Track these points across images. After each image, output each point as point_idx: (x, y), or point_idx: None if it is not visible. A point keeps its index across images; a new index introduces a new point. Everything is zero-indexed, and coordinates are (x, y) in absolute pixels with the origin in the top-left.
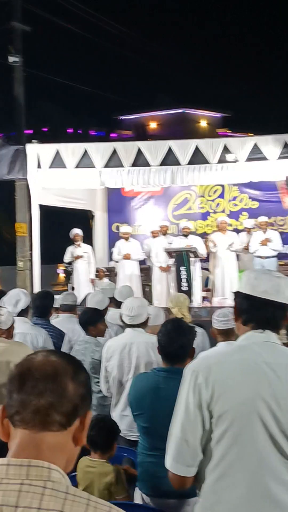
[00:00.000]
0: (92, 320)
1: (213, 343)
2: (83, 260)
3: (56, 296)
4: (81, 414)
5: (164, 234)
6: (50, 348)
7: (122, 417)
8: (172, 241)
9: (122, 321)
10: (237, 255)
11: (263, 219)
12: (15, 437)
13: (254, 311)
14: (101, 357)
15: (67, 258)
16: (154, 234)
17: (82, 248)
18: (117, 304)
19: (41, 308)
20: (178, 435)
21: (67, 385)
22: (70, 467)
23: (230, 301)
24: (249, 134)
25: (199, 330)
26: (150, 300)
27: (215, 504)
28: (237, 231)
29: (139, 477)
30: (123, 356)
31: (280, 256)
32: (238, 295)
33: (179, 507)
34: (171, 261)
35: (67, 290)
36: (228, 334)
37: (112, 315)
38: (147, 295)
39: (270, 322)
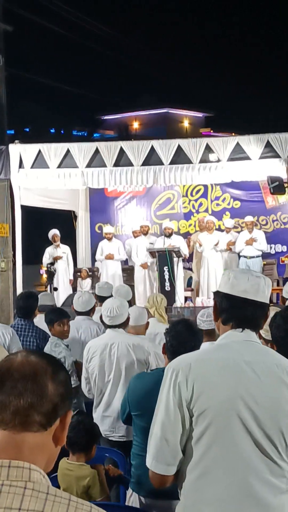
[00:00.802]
0: (47, 321)
1: None
2: (62, 260)
3: None
4: (61, 414)
5: (145, 234)
6: (17, 345)
7: (104, 417)
8: (153, 241)
9: (102, 321)
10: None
11: (249, 218)
12: None
13: (234, 310)
14: (82, 358)
15: (46, 259)
16: (136, 234)
17: (61, 249)
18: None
19: (24, 308)
20: (158, 433)
21: (46, 385)
22: (50, 467)
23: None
24: (231, 134)
25: None
26: (133, 300)
27: (196, 502)
28: (220, 231)
29: (136, 480)
30: (104, 356)
31: (263, 256)
32: (218, 294)
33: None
34: (151, 260)
35: (48, 291)
36: (212, 335)
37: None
38: (132, 294)
39: (249, 321)
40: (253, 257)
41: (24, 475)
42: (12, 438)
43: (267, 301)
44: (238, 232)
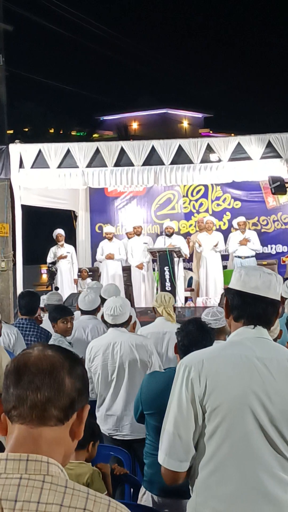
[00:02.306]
0: (51, 318)
1: None
2: (66, 260)
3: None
4: (78, 408)
5: (139, 234)
6: (21, 346)
7: (107, 416)
8: (148, 241)
9: (104, 321)
10: (222, 255)
11: (241, 219)
12: (13, 432)
13: (246, 307)
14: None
15: (50, 258)
16: (130, 235)
17: (65, 248)
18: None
19: (27, 307)
20: (171, 430)
21: (64, 379)
22: (67, 461)
23: (214, 301)
24: (230, 134)
25: None
26: (131, 300)
27: (208, 499)
28: (220, 231)
29: (148, 478)
30: (107, 356)
31: (263, 256)
32: (229, 291)
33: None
34: (146, 260)
35: (50, 290)
36: (218, 333)
37: None
38: (131, 294)
39: (261, 318)
40: (247, 257)
41: (43, 469)
42: (30, 432)
43: (279, 298)
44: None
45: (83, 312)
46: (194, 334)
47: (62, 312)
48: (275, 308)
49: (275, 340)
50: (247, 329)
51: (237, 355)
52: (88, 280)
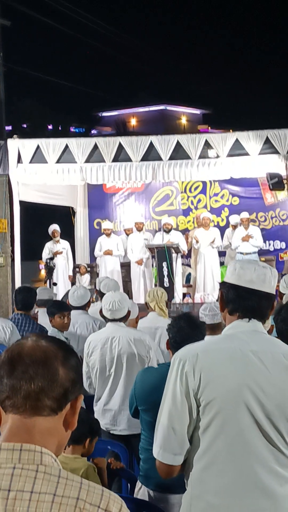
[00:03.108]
0: (49, 312)
1: None
2: (62, 256)
3: None
4: (72, 398)
5: (140, 230)
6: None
7: (105, 411)
8: (148, 237)
9: (103, 315)
10: (219, 251)
11: (245, 215)
12: (6, 422)
13: (240, 301)
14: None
15: (45, 254)
16: (128, 232)
17: (60, 244)
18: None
19: (22, 303)
20: (165, 423)
21: (57, 369)
22: (60, 451)
23: (212, 297)
24: (229, 131)
25: None
26: (130, 296)
27: (203, 492)
28: (218, 227)
29: (144, 473)
30: (105, 350)
31: (261, 252)
32: (224, 285)
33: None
34: (146, 257)
35: (47, 286)
36: (215, 329)
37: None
38: (130, 290)
39: (256, 312)
40: (249, 253)
41: (36, 459)
42: (23, 422)
43: (274, 292)
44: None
45: (73, 308)
46: (186, 330)
47: (60, 307)
48: (270, 301)
49: None
50: (241, 322)
51: (231, 349)
52: (87, 276)
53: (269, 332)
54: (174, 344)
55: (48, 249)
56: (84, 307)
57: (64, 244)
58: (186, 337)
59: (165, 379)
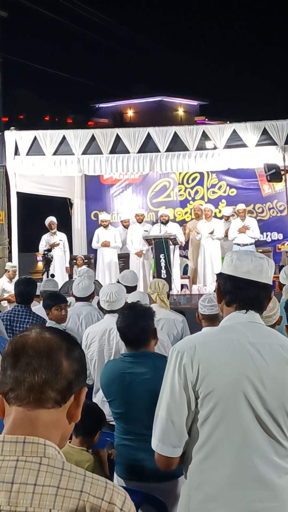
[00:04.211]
0: (45, 305)
1: (195, 330)
2: (59, 248)
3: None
4: (76, 390)
5: (140, 222)
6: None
7: (104, 402)
8: (148, 229)
9: (100, 307)
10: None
11: (241, 206)
12: (10, 414)
13: (238, 292)
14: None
15: (42, 246)
16: (125, 224)
17: (57, 236)
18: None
19: (24, 294)
20: (164, 416)
21: (61, 361)
22: (64, 443)
23: (209, 289)
24: (226, 122)
25: (179, 318)
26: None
27: (202, 484)
28: (217, 218)
29: (115, 460)
30: (103, 341)
31: (258, 243)
32: (221, 276)
33: (153, 490)
34: (146, 248)
35: (46, 278)
36: (213, 320)
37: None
38: None
39: (253, 303)
40: (246, 244)
41: (39, 451)
42: (27, 414)
43: (271, 282)
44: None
45: (77, 299)
46: (129, 320)
47: (56, 299)
48: (267, 292)
49: (273, 325)
50: (239, 313)
51: (229, 340)
52: (84, 267)
53: (278, 323)
54: (120, 333)
55: (45, 241)
56: (88, 299)
57: (61, 236)
58: (130, 327)
59: (121, 369)
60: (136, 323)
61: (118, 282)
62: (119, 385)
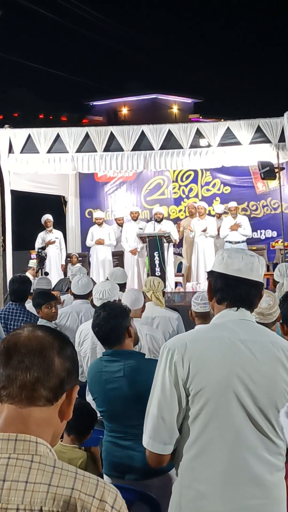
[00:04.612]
0: (35, 304)
1: (189, 327)
2: (54, 246)
3: None
4: (68, 389)
5: (135, 219)
6: None
7: None
8: (143, 227)
9: (93, 305)
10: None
11: (233, 204)
12: (2, 412)
13: (228, 290)
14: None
15: (38, 244)
16: (119, 221)
17: (53, 234)
18: None
19: (18, 292)
20: (155, 413)
21: (53, 360)
22: (56, 441)
23: (203, 286)
24: (220, 120)
25: (174, 315)
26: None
27: (193, 481)
28: (211, 216)
29: (102, 457)
30: (96, 339)
31: (252, 241)
32: (212, 274)
33: (139, 487)
34: (140, 246)
35: (39, 276)
36: (206, 317)
37: None
38: None
39: (244, 300)
40: (238, 242)
41: (31, 449)
42: (19, 412)
43: (262, 280)
44: None
45: (76, 297)
46: (99, 318)
47: (46, 298)
48: (258, 290)
49: (274, 322)
50: (230, 311)
51: (220, 338)
52: (78, 265)
53: (278, 319)
54: (94, 332)
55: (41, 238)
56: (87, 296)
57: (57, 234)
58: (100, 325)
59: (99, 368)
60: (106, 322)
61: (107, 279)
62: (98, 383)
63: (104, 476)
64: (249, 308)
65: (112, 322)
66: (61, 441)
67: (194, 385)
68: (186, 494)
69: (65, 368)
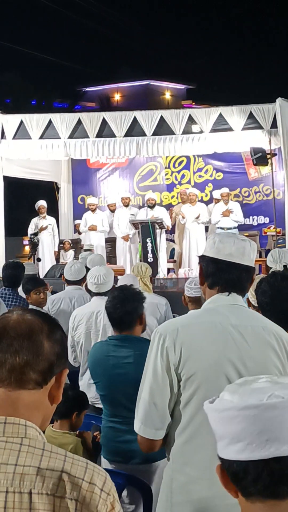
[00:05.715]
0: (24, 290)
1: (183, 312)
2: (47, 232)
3: None
4: (57, 372)
5: (127, 205)
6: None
7: (90, 385)
8: (135, 213)
9: (88, 289)
10: (206, 227)
11: (225, 190)
12: None
13: (220, 274)
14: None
15: (31, 229)
16: (111, 208)
17: (46, 220)
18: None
19: (11, 278)
20: (147, 398)
21: (42, 343)
22: (46, 425)
23: (196, 272)
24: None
25: (162, 301)
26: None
27: (184, 466)
28: (203, 202)
29: (101, 442)
30: (90, 324)
31: (245, 227)
32: (203, 258)
33: (137, 472)
34: (132, 232)
35: (32, 261)
36: (199, 302)
37: None
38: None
39: (235, 285)
40: (230, 228)
41: (20, 432)
42: (8, 395)
43: (253, 265)
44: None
45: (69, 282)
46: (115, 301)
47: (35, 283)
48: (250, 274)
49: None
50: (221, 296)
51: (212, 323)
52: (71, 251)
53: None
54: (107, 314)
55: (34, 224)
56: (80, 282)
57: (50, 220)
58: (116, 308)
59: (105, 351)
60: (123, 305)
61: (86, 266)
62: (103, 367)
63: (105, 460)
64: (240, 293)
65: (129, 306)
66: (52, 426)
67: (185, 370)
68: (177, 479)
69: (55, 352)
